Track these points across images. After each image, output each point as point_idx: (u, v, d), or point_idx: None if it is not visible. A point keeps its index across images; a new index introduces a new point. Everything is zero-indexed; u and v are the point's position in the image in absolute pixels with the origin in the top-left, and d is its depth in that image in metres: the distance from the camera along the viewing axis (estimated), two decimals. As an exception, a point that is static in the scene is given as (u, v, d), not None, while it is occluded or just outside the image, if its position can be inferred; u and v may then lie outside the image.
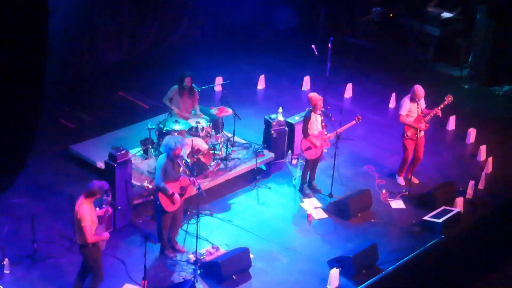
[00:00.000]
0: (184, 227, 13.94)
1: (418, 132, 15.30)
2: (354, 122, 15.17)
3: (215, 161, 14.88)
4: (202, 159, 14.88)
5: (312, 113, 14.95)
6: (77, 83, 18.69)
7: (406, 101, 15.41)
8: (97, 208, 11.85)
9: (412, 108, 15.33)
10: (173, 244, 13.53)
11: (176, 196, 12.88)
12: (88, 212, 11.45)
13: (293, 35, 23.04)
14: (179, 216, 13.37)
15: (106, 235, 11.77)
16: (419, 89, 15.27)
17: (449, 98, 15.44)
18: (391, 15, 22.88)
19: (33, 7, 12.98)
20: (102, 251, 11.88)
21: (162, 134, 14.86)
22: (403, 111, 15.36)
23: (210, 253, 13.46)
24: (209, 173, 14.30)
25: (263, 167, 16.08)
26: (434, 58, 21.82)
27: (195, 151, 14.70)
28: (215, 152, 15.34)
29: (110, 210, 12.10)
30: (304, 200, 15.26)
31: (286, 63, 21.17)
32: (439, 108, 15.32)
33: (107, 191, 11.88)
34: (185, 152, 14.21)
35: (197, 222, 13.11)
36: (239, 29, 22.67)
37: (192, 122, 15.27)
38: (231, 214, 14.76)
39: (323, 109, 15.02)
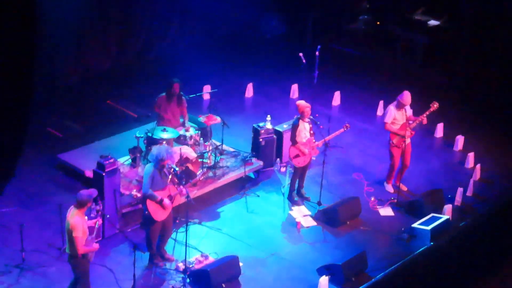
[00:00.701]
0: (173, 235, 13.93)
1: (405, 139, 15.32)
2: (342, 130, 15.19)
3: (203, 169, 14.84)
4: (190, 167, 14.87)
5: (300, 121, 14.96)
6: (65, 91, 18.66)
7: (391, 108, 15.43)
8: (86, 217, 11.82)
9: (397, 116, 15.36)
10: (162, 253, 13.50)
11: (166, 202, 12.84)
12: (80, 223, 11.40)
13: (281, 43, 23.08)
14: (169, 226, 13.33)
15: (96, 246, 11.73)
16: (407, 95, 15.29)
17: (435, 105, 15.50)
18: (378, 23, 22.95)
19: (21, 15, 12.97)
20: (90, 262, 11.85)
21: (150, 142, 14.83)
22: (388, 119, 15.38)
23: (199, 261, 13.44)
24: (196, 181, 14.28)
25: (252, 175, 16.07)
26: (422, 65, 21.90)
27: (183, 160, 14.69)
28: (204, 160, 15.33)
29: (101, 221, 12.06)
30: (293, 208, 15.26)
31: (274, 71, 21.20)
32: (425, 115, 15.37)
33: (96, 199, 11.85)
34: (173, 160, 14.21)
35: (186, 230, 13.08)
36: (226, 37, 22.68)
37: (180, 131, 15.27)
38: (220, 222, 14.75)
39: (311, 117, 15.03)
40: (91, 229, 11.72)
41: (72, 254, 11.58)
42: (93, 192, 11.66)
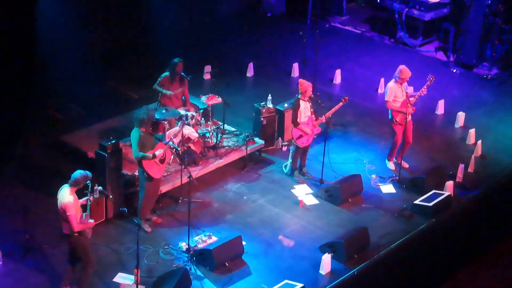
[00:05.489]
0: (178, 216, 14.04)
1: (406, 116, 15.35)
2: (341, 104, 15.22)
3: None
4: (192, 147, 14.92)
5: (301, 100, 14.98)
6: (66, 73, 18.64)
7: (390, 86, 15.43)
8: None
9: (397, 93, 15.37)
10: (149, 216, 13.81)
11: (158, 152, 13.16)
12: (72, 201, 11.49)
13: (281, 22, 23.04)
14: (159, 186, 13.77)
15: (91, 222, 11.82)
16: (405, 69, 15.30)
17: (432, 78, 15.53)
18: (378, 0, 22.90)
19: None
20: (89, 238, 11.92)
21: (152, 122, 14.85)
22: (389, 97, 15.39)
23: (203, 241, 13.51)
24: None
25: (254, 154, 16.10)
26: (422, 42, 21.87)
27: (185, 140, 14.73)
28: (205, 140, 15.37)
29: (92, 199, 12.10)
30: (295, 186, 15.30)
31: (275, 50, 21.18)
32: (424, 88, 15.41)
33: (91, 179, 11.93)
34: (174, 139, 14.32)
35: (189, 210, 13.15)
36: (227, 16, 22.65)
37: (182, 111, 15.29)
38: (223, 201, 14.79)
39: (312, 96, 15.06)
40: (83, 207, 11.80)
41: (69, 233, 11.67)
42: (89, 174, 11.75)
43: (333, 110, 15.23)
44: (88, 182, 11.79)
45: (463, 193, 15.25)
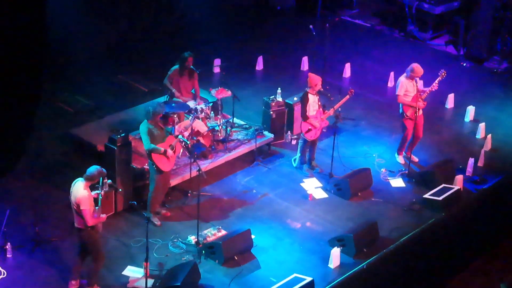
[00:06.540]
0: (186, 209, 14.04)
1: (417, 111, 15.32)
2: (347, 96, 15.22)
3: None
4: (201, 140, 14.93)
5: (309, 94, 14.97)
6: (75, 66, 18.68)
7: (402, 80, 15.40)
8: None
9: (408, 87, 15.33)
10: (158, 209, 13.88)
11: (169, 152, 13.33)
12: (86, 196, 11.53)
13: (291, 16, 23.02)
14: (168, 179, 13.86)
15: (103, 217, 11.85)
16: (418, 68, 15.27)
17: (443, 74, 15.49)
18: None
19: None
20: (100, 232, 11.96)
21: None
22: (400, 91, 15.36)
23: (212, 234, 13.52)
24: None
25: (263, 148, 16.09)
26: (432, 36, 21.82)
27: (194, 133, 14.74)
28: (215, 133, 15.38)
29: (103, 193, 12.12)
30: (304, 180, 15.29)
31: (284, 44, 21.15)
32: (435, 83, 15.37)
33: (105, 175, 11.97)
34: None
35: (198, 204, 13.16)
36: (236, 10, 22.63)
37: (191, 104, 15.29)
38: (232, 195, 14.80)
39: (321, 89, 15.07)
40: (94, 201, 11.83)
41: (81, 227, 11.71)
42: (103, 170, 11.80)
43: (340, 103, 15.22)
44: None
45: (472, 187, 15.24)
